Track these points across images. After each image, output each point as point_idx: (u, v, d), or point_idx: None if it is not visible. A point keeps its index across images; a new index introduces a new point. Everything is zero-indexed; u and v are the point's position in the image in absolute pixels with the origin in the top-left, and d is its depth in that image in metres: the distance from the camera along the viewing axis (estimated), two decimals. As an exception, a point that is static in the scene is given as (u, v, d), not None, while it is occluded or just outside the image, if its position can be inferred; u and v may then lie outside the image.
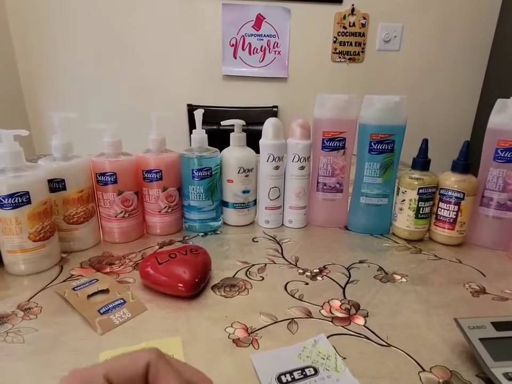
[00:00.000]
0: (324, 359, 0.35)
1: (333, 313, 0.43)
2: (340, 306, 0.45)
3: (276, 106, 1.88)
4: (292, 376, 0.33)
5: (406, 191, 0.61)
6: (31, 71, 1.73)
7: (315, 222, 0.69)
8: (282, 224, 0.69)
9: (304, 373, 0.34)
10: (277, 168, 0.64)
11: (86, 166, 0.56)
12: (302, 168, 0.64)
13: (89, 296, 0.45)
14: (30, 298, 0.45)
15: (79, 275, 0.50)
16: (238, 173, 0.64)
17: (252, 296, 0.46)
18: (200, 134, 0.62)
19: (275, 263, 0.55)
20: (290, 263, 0.55)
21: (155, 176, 0.59)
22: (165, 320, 0.42)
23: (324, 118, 0.63)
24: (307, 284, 0.49)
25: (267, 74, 1.87)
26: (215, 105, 1.79)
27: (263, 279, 0.50)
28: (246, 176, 0.65)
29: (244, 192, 0.66)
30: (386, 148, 0.60)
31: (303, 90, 1.91)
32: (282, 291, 0.48)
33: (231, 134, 0.66)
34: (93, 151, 0.59)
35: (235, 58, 1.84)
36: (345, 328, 0.40)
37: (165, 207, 0.62)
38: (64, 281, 0.49)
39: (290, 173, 0.65)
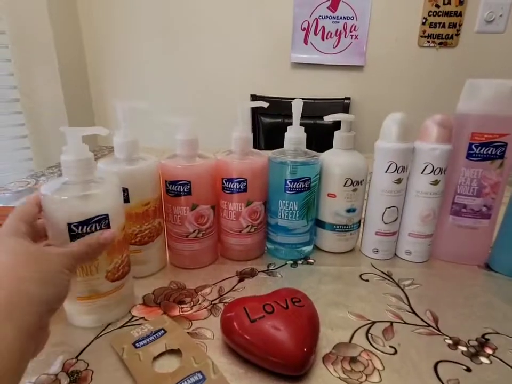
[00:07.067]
0: None
1: None
2: (546, 428, 0.27)
3: (349, 98, 1.67)
4: None
5: None
6: (98, 61, 1.69)
7: (441, 256, 0.51)
8: (395, 255, 0.52)
9: None
10: (399, 181, 0.47)
11: (154, 171, 0.43)
12: (436, 183, 0.46)
13: (154, 358, 0.32)
14: (79, 354, 0.33)
15: (141, 317, 0.38)
16: (344, 185, 0.48)
17: (387, 385, 0.31)
18: (298, 132, 0.47)
19: (405, 323, 0.38)
20: (429, 325, 0.38)
21: (238, 187, 0.45)
22: (265, 422, 0.27)
23: (474, 113, 0.44)
24: (469, 369, 0.32)
25: (341, 62, 1.67)
26: (281, 96, 1.62)
27: (395, 352, 0.34)
28: (354, 190, 0.49)
29: (349, 211, 0.50)
30: None
31: (381, 80, 1.68)
32: (434, 379, 0.31)
33: (336, 133, 0.49)
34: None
35: (306, 44, 1.66)
36: None
37: (247, 226, 0.47)
38: (122, 326, 0.37)
39: (417, 189, 0.47)
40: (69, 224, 0.31)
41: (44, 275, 0.26)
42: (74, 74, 1.59)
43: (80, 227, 0.32)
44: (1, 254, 0.26)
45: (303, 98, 1.49)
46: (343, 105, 1.66)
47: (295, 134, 0.47)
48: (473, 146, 0.45)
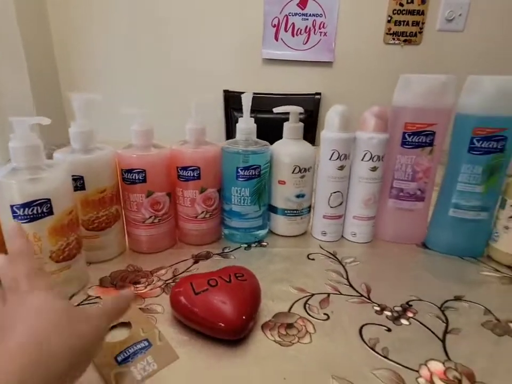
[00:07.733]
0: None
1: (436, 385, 0.30)
2: (445, 372, 0.31)
3: (319, 94, 1.72)
4: None
5: (516, 205, 0.46)
6: (66, 52, 1.67)
7: (384, 236, 0.56)
8: (342, 237, 0.56)
9: None
10: (341, 168, 0.51)
11: (110, 160, 0.46)
12: (374, 169, 0.51)
13: (106, 330, 0.35)
14: (34, 330, 0.35)
15: (97, 296, 0.41)
16: (293, 172, 0.52)
17: (316, 345, 0.34)
18: (248, 123, 0.50)
19: (341, 294, 0.42)
20: (361, 295, 0.42)
21: (192, 175, 0.48)
22: (202, 379, 0.31)
23: (407, 105, 0.49)
24: (389, 330, 0.37)
25: (311, 58, 1.71)
26: (253, 91, 1.65)
27: (328, 318, 0.38)
28: (302, 177, 0.52)
29: (298, 196, 0.53)
30: (494, 146, 0.45)
31: (350, 76, 1.73)
32: (358, 339, 0.35)
33: (285, 124, 0.53)
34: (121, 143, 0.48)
35: (276, 40, 1.69)
36: (462, 416, 0.28)
37: (202, 212, 0.50)
38: (79, 304, 0.39)
39: (359, 175, 0.52)
40: (11, 206, 0.34)
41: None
42: (41, 65, 1.56)
43: (22, 209, 0.34)
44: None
45: (274, 94, 1.55)
46: (313, 100, 1.71)
47: (245, 125, 0.50)
48: (406, 135, 0.49)
